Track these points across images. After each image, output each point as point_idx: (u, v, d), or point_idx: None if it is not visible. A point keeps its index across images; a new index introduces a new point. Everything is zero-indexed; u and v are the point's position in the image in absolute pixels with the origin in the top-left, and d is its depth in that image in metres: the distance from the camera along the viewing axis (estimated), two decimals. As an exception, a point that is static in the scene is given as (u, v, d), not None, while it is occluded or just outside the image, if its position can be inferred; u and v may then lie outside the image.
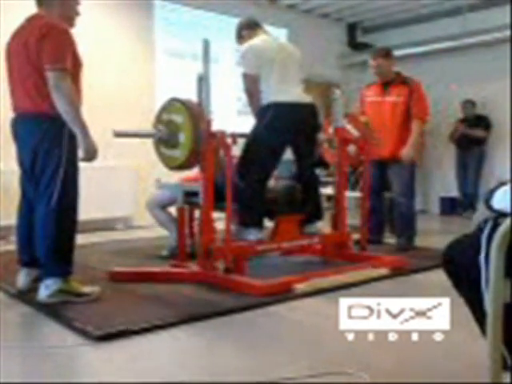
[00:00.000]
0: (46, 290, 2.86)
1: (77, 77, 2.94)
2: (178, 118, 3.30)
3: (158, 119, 3.46)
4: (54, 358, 2.26)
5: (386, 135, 4.55)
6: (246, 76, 3.65)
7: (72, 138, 2.86)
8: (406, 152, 4.50)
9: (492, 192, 1.82)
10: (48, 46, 2.76)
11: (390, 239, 4.93)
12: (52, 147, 2.84)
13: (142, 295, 3.08)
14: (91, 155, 2.88)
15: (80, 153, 2.88)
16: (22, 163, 3.03)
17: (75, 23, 3.05)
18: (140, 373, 2.12)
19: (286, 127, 3.60)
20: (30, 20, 2.93)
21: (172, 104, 3.40)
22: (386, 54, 4.72)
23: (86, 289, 2.97)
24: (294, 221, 3.78)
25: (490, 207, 1.81)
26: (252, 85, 3.63)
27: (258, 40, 3.72)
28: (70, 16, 3.01)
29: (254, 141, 3.61)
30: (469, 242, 1.89)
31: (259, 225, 3.61)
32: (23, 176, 3.09)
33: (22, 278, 3.12)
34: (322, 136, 4.42)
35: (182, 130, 3.29)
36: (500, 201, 1.78)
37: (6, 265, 3.82)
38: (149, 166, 3.71)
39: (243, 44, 3.77)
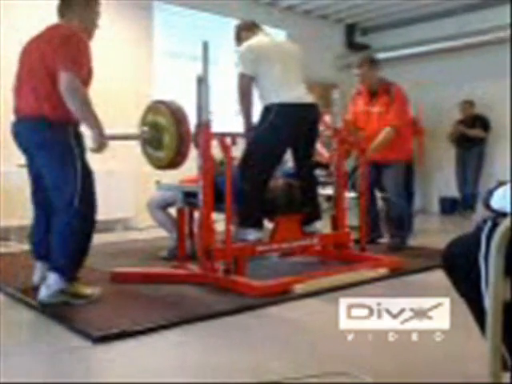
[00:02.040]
0: (47, 290, 2.87)
1: (85, 86, 2.95)
2: (162, 120, 3.32)
3: (143, 121, 3.49)
4: (55, 359, 2.27)
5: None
6: (241, 76, 3.59)
7: (77, 137, 2.91)
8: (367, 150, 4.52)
9: (491, 192, 1.83)
10: (64, 52, 2.78)
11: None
12: (65, 150, 2.86)
13: (143, 296, 3.08)
14: (100, 145, 2.88)
15: (90, 143, 2.89)
16: (31, 168, 3.06)
17: (94, 35, 3.10)
18: (140, 373, 2.13)
19: (289, 129, 3.59)
20: (50, 29, 2.96)
21: (156, 106, 3.44)
22: (371, 62, 4.76)
23: (87, 290, 2.98)
24: (292, 221, 3.78)
25: (488, 207, 1.82)
26: (246, 85, 3.60)
27: (255, 40, 3.70)
28: (90, 28, 3.07)
29: (255, 141, 3.61)
30: (468, 241, 1.89)
31: (259, 225, 3.61)
32: (33, 176, 3.10)
33: (37, 273, 3.16)
34: None
35: (165, 132, 3.31)
36: (499, 201, 1.78)
37: (6, 266, 3.83)
38: (148, 168, 3.71)
39: (241, 45, 3.75)
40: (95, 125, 2.85)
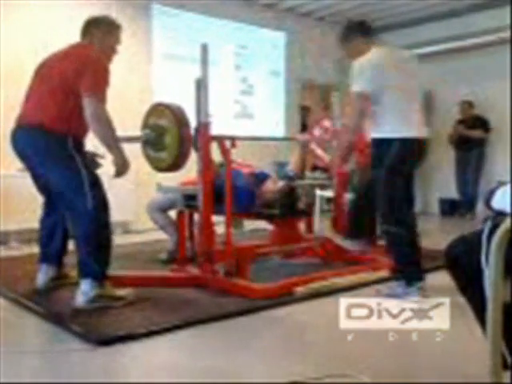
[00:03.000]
0: (84, 296, 2.86)
1: None
2: (163, 122, 3.34)
3: (145, 123, 3.51)
4: (55, 362, 2.26)
5: None
6: (358, 96, 3.13)
7: (78, 147, 2.96)
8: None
9: (492, 192, 1.83)
10: (91, 78, 2.84)
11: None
12: (65, 156, 2.90)
13: (143, 299, 3.08)
14: (122, 170, 2.98)
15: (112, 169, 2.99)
16: (32, 174, 3.10)
17: (112, 59, 3.16)
18: (140, 377, 2.13)
19: (411, 162, 3.27)
20: (74, 47, 3.04)
21: (157, 108, 3.46)
22: None
23: (120, 292, 2.99)
24: (291, 223, 3.79)
25: (489, 207, 1.82)
26: (364, 108, 3.14)
27: (376, 54, 3.21)
28: (109, 53, 3.14)
29: (384, 176, 3.18)
30: (471, 240, 1.90)
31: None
32: (39, 185, 3.15)
33: (41, 277, 3.20)
34: (305, 137, 4.46)
35: (167, 133, 3.32)
36: (499, 201, 1.78)
37: (6, 270, 3.83)
38: (148, 170, 3.72)
39: (351, 52, 3.38)
40: (117, 151, 2.92)
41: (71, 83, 2.87)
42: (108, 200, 2.99)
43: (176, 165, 3.39)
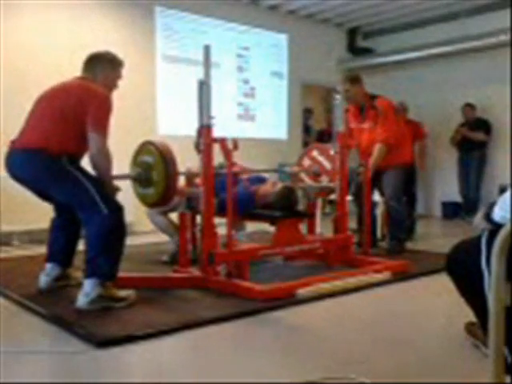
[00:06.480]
0: (86, 297, 2.87)
1: None
2: (151, 159, 3.35)
3: (134, 161, 3.51)
4: (57, 363, 2.27)
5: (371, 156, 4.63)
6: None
7: (71, 160, 3.01)
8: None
9: (491, 206, 1.85)
10: (93, 111, 2.94)
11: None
12: (62, 170, 2.96)
13: (144, 301, 3.08)
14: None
15: None
16: (37, 192, 3.16)
17: (113, 92, 3.24)
18: (142, 378, 2.14)
19: None
20: (79, 80, 3.14)
21: (146, 147, 3.46)
22: (354, 79, 4.76)
23: (122, 293, 3.00)
24: (293, 225, 3.79)
25: (490, 220, 1.83)
26: None
27: None
28: (110, 87, 3.22)
29: None
30: (471, 245, 1.90)
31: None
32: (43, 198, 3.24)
33: (44, 277, 3.23)
34: (294, 168, 4.50)
35: (154, 170, 3.32)
36: (500, 209, 1.79)
37: (8, 270, 3.83)
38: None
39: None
40: (109, 180, 3.04)
41: (73, 111, 2.95)
42: (118, 200, 3.04)
43: (163, 200, 3.39)
